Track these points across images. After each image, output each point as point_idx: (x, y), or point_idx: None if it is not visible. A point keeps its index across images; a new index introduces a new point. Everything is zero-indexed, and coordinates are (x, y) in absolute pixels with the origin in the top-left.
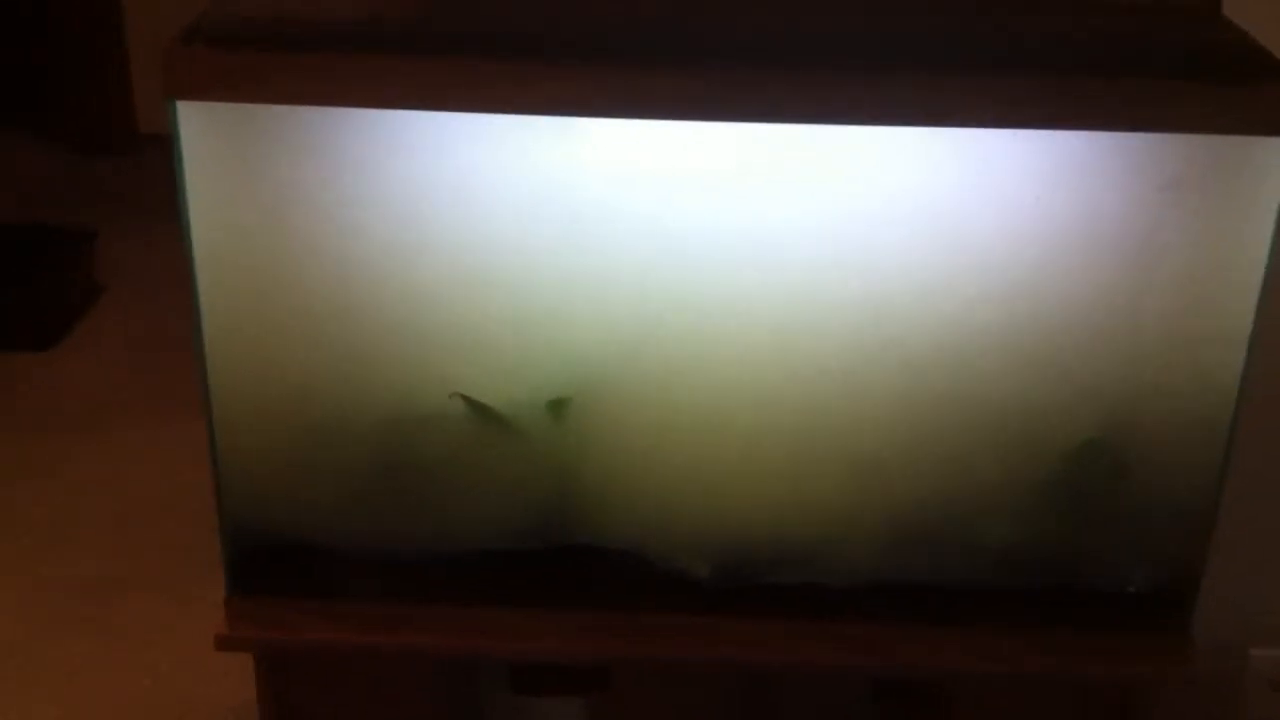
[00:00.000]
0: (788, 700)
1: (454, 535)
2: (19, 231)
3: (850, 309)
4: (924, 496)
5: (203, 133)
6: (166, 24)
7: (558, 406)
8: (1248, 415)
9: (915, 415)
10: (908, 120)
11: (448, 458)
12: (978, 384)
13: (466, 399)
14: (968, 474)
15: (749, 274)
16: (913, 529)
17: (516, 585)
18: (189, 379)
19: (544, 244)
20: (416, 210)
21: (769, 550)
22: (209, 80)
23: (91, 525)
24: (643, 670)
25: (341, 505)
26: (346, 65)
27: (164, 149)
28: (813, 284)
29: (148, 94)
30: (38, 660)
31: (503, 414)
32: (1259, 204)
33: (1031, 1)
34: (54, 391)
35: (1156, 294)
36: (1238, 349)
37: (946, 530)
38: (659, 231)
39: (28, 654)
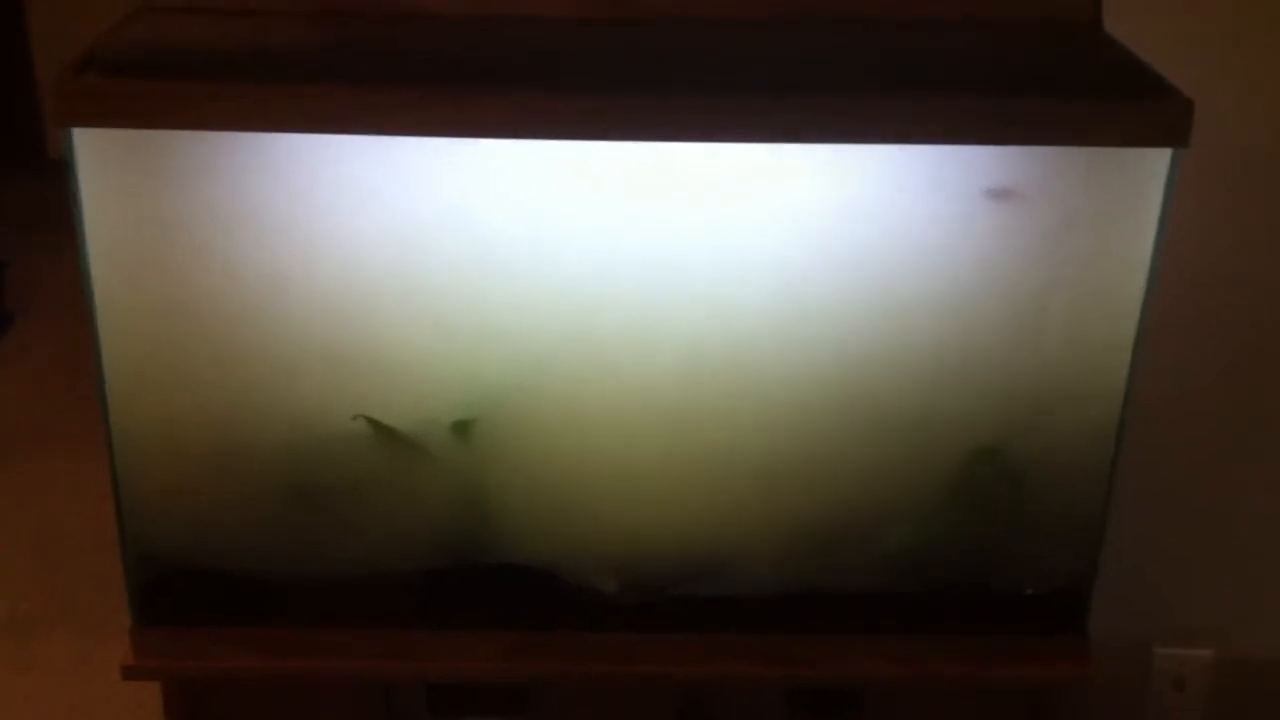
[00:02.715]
0: (706, 714)
1: (363, 558)
2: None
3: (752, 324)
4: (829, 506)
5: (100, 159)
6: (75, 48)
7: (462, 427)
8: (1145, 418)
9: (818, 427)
10: (803, 138)
11: (354, 480)
12: (878, 394)
13: (371, 421)
14: (871, 482)
15: (653, 292)
16: (818, 538)
17: (428, 607)
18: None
19: (446, 265)
20: (317, 234)
21: (678, 564)
22: (100, 109)
23: (8, 559)
24: (559, 689)
25: (249, 530)
26: (242, 92)
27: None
28: (716, 301)
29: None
30: None
31: (408, 435)
32: (1144, 213)
33: (916, 20)
34: None
35: (1047, 303)
36: (1125, 354)
37: (852, 538)
38: (562, 251)
39: None
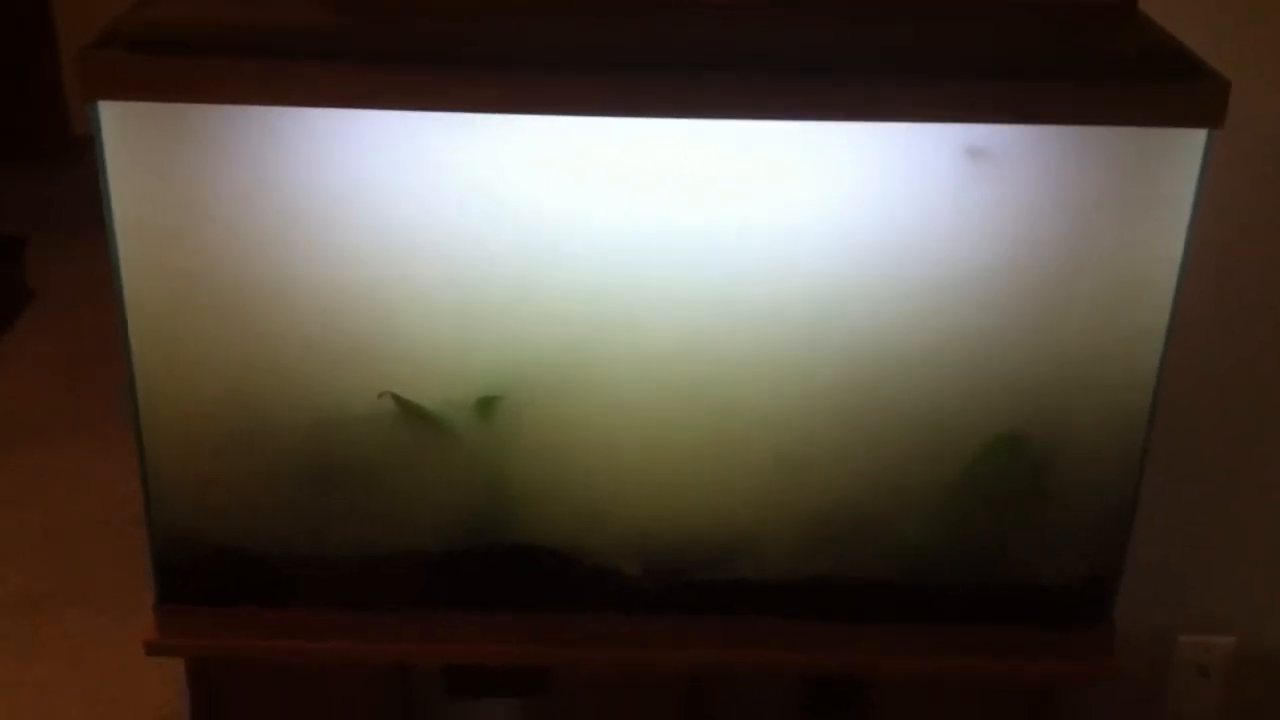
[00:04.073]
0: (724, 701)
1: (387, 538)
2: None
3: (775, 309)
4: (851, 493)
5: (126, 135)
6: (98, 25)
7: (486, 405)
8: (1167, 406)
9: (841, 413)
10: (849, 117)
11: (379, 459)
12: (901, 381)
13: (397, 398)
14: (894, 470)
15: (677, 275)
16: (840, 526)
17: (451, 588)
18: (120, 388)
19: (472, 243)
20: (343, 211)
21: (699, 548)
22: (128, 82)
23: (19, 542)
24: (579, 671)
25: (273, 510)
26: (267, 68)
27: (94, 152)
28: (738, 285)
29: (79, 96)
30: None
31: (433, 413)
32: (1178, 196)
33: (953, 3)
34: None
35: (1076, 288)
36: (1156, 341)
37: (873, 526)
38: (588, 231)
39: None
